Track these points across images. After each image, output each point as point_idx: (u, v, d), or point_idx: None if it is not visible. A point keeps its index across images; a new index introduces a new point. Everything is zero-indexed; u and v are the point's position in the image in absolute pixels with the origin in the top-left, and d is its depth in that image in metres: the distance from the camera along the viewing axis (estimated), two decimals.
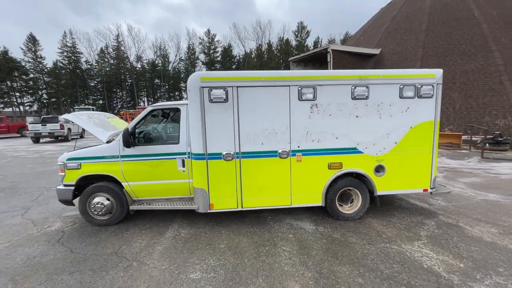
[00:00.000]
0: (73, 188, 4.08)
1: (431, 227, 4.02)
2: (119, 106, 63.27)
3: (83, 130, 20.54)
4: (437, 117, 4.22)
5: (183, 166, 4.11)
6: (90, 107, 31.93)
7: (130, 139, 3.88)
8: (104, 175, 4.13)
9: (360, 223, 4.17)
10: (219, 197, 4.01)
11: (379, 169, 4.21)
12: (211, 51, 62.37)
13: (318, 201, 4.20)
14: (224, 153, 3.92)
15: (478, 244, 3.48)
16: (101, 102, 58.93)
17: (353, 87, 4.00)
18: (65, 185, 4.12)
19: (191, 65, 62.84)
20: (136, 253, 3.34)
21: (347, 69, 17.91)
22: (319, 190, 4.17)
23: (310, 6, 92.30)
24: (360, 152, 4.15)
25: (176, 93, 69.97)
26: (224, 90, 3.82)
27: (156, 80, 63.04)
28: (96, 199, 4.09)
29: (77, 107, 32.69)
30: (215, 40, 62.12)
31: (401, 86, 4.07)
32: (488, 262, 3.05)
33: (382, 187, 4.26)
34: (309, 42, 61.50)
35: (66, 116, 4.34)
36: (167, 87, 63.48)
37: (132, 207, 4.12)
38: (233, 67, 62.68)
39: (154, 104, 4.25)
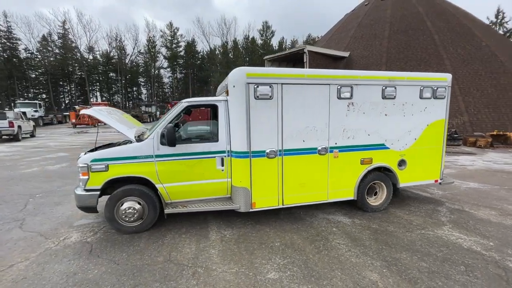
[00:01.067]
0: (98, 193, 3.62)
1: (445, 213, 4.55)
2: (67, 101, 56.62)
3: (34, 128, 17.93)
4: (447, 116, 4.78)
5: (222, 165, 3.95)
6: (37, 102, 27.81)
7: (176, 137, 3.58)
8: (131, 177, 3.75)
9: (387, 214, 4.51)
10: (261, 195, 3.96)
11: (401, 163, 4.60)
12: (174, 45, 59.48)
13: (351, 195, 4.42)
14: (268, 150, 3.87)
15: (490, 225, 4.06)
16: (44, 96, 51.90)
17: (383, 87, 4.29)
18: (87, 190, 3.62)
19: (152, 59, 59.14)
20: (192, 258, 3.12)
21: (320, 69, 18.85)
22: (352, 184, 4.39)
23: (269, 6, 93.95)
24: (387, 147, 4.48)
25: (134, 88, 65.16)
26: (270, 87, 3.77)
27: (111, 74, 57.78)
28: (126, 204, 3.68)
29: (19, 101, 28.24)
30: (178, 34, 59.42)
31: (422, 88, 4.50)
32: (508, 239, 3.59)
33: (404, 179, 4.67)
34: (274, 42, 62.77)
35: (86, 111, 3.81)
36: (123, 81, 58.72)
37: (167, 211, 3.80)
38: (198, 62, 60.87)
39: (188, 100, 3.98)
